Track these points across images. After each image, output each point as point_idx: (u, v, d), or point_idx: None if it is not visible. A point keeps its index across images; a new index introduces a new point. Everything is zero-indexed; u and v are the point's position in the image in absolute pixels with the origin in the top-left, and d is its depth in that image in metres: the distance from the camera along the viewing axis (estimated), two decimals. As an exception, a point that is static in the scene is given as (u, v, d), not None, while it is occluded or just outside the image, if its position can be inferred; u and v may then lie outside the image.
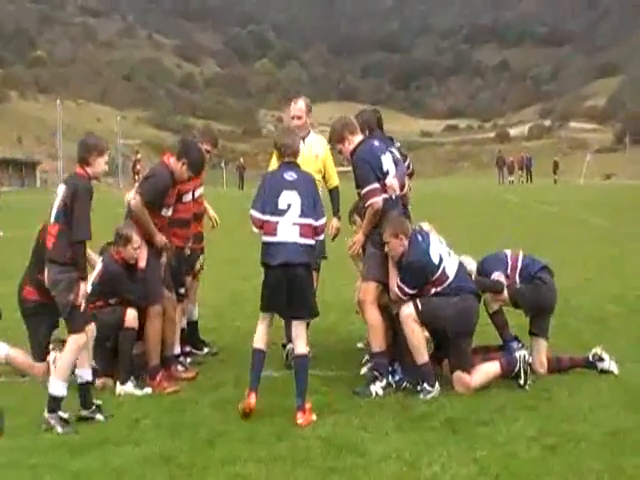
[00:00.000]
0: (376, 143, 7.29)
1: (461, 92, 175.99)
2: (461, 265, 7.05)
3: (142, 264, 7.18)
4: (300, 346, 6.41)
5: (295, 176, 6.52)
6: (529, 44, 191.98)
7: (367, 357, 7.53)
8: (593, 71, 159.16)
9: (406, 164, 7.90)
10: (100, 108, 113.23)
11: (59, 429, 6.00)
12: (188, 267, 8.07)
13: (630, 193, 42.48)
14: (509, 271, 7.40)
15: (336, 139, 7.28)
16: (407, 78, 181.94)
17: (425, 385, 6.71)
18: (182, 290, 7.77)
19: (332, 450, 5.42)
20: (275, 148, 6.80)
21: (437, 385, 6.72)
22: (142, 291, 7.16)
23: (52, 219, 6.21)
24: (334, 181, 8.44)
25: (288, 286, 6.34)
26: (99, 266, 7.23)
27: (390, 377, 7.05)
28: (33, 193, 28.83)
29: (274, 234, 6.37)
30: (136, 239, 7.03)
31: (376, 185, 6.99)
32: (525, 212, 28.92)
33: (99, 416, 6.18)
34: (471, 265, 7.36)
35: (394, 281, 6.93)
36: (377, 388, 6.82)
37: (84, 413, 6.29)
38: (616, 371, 7.23)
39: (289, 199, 6.41)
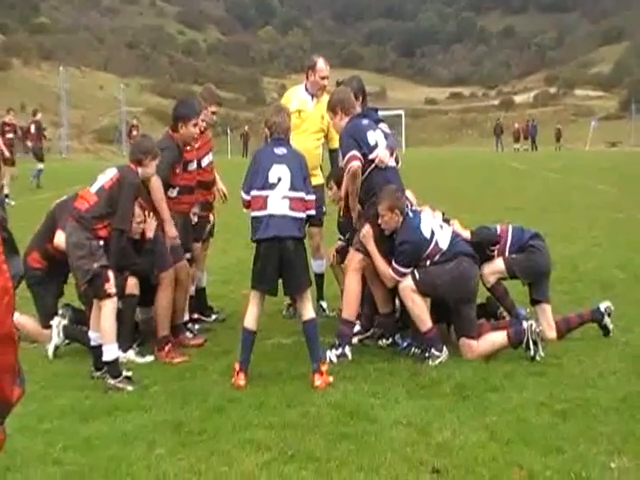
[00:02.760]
0: (365, 121, 7.27)
1: (465, 59, 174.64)
2: (455, 235, 7.01)
3: (150, 234, 7.17)
4: (307, 312, 6.41)
5: (285, 151, 6.51)
6: (534, 10, 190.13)
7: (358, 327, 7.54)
8: (599, 37, 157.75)
9: None
10: (103, 75, 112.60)
11: (129, 388, 6.13)
12: (196, 234, 8.07)
13: (635, 160, 42.28)
14: (499, 244, 7.39)
15: (331, 109, 7.27)
16: (411, 45, 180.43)
17: (433, 350, 6.71)
18: (188, 255, 7.74)
19: (342, 416, 5.43)
20: (266, 127, 6.73)
21: (445, 349, 6.73)
22: (151, 263, 7.15)
23: (93, 189, 6.43)
24: (336, 142, 8.33)
25: (279, 261, 6.30)
26: None
27: (399, 343, 7.12)
28: (27, 161, 28.65)
29: (264, 207, 6.33)
30: (138, 213, 7.01)
31: (355, 152, 6.95)
32: (531, 179, 28.82)
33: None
34: (465, 234, 7.31)
35: (383, 267, 6.91)
36: (332, 355, 6.81)
37: (96, 374, 6.36)
38: (611, 329, 7.29)
39: (279, 172, 6.38)
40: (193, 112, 7.38)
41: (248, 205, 6.48)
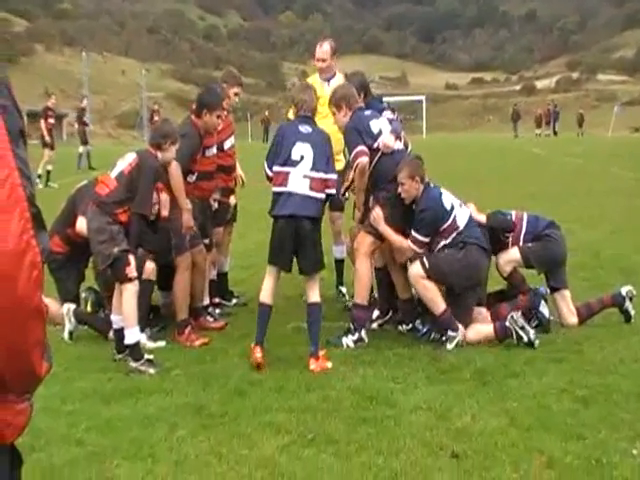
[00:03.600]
0: (366, 113, 7.26)
1: (487, 44, 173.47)
2: (471, 218, 7.01)
3: (165, 212, 7.18)
4: (312, 295, 6.46)
5: (310, 130, 6.54)
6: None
7: (377, 312, 7.58)
8: (622, 21, 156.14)
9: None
10: (124, 61, 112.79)
11: (151, 371, 6.20)
12: (217, 220, 8.08)
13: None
14: (514, 232, 7.37)
15: (334, 105, 7.22)
16: (432, 30, 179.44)
17: (449, 332, 6.72)
18: (206, 241, 7.75)
19: (362, 401, 5.45)
20: (293, 104, 6.79)
21: (461, 328, 6.73)
22: (167, 241, 7.14)
23: (113, 174, 6.45)
24: None
25: (294, 239, 6.34)
26: None
27: (419, 329, 7.14)
28: (60, 146, 28.80)
29: (284, 184, 6.39)
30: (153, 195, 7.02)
31: (362, 147, 6.94)
32: (551, 165, 28.64)
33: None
34: (480, 218, 7.29)
35: (400, 242, 6.91)
36: (349, 341, 6.84)
37: (118, 357, 6.43)
38: (632, 314, 7.27)
39: (302, 151, 6.42)
40: (219, 101, 7.37)
41: (271, 180, 6.53)
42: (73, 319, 7.18)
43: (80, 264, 7.64)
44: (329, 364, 6.28)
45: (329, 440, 4.79)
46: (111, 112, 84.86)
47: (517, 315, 6.75)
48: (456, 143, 52.11)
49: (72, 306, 7.28)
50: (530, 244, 7.34)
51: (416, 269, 6.78)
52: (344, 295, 8.60)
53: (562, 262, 7.42)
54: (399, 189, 6.88)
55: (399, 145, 7.20)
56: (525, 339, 6.65)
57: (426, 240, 6.83)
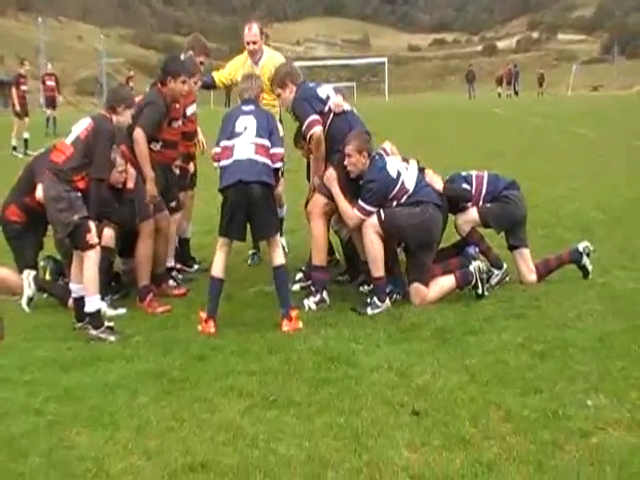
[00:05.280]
0: (311, 84, 7.36)
1: (448, 5, 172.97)
2: (421, 177, 7.01)
3: (131, 184, 7.14)
4: (276, 258, 6.46)
5: (252, 107, 6.65)
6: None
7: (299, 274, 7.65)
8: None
9: None
10: (82, 26, 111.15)
11: (112, 338, 6.17)
12: (180, 185, 8.04)
13: (617, 104, 42.24)
14: (474, 192, 7.39)
15: (278, 84, 7.24)
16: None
17: (375, 299, 6.73)
18: (173, 204, 7.71)
19: (324, 362, 5.46)
20: (238, 94, 6.85)
21: (387, 301, 6.74)
22: (131, 212, 7.10)
23: (68, 140, 6.35)
24: None
25: (245, 207, 6.31)
26: None
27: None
28: (11, 114, 28.42)
29: (231, 156, 6.41)
30: (120, 162, 6.98)
31: (315, 116, 6.98)
32: (512, 125, 28.75)
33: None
34: (438, 184, 7.29)
35: (348, 209, 6.88)
36: (310, 302, 6.84)
37: (78, 325, 6.39)
38: (590, 270, 7.35)
39: (245, 122, 6.50)
40: (183, 69, 7.32)
41: (218, 158, 6.54)
42: (33, 284, 7.11)
43: (38, 233, 7.56)
44: (300, 324, 6.30)
45: (291, 402, 4.81)
46: (70, 79, 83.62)
47: (483, 266, 6.85)
48: (418, 104, 52.06)
49: (32, 272, 7.20)
50: (488, 204, 7.37)
51: (371, 221, 6.78)
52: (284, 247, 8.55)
53: (521, 222, 7.46)
54: (345, 161, 6.86)
55: (348, 106, 7.24)
56: (479, 290, 6.81)
57: (373, 210, 6.79)
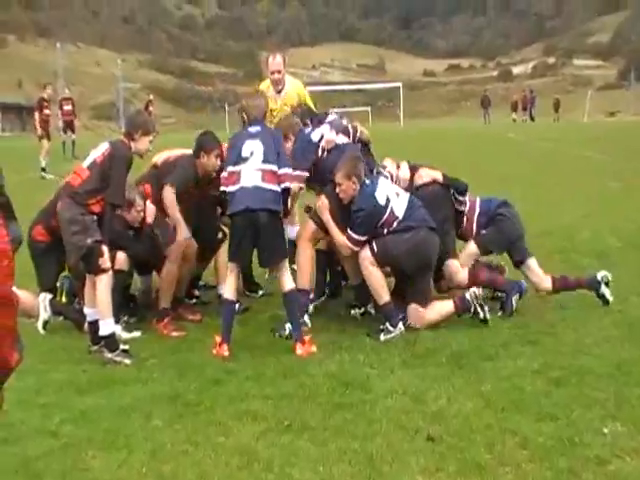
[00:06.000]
0: (307, 130, 7.44)
1: (464, 31, 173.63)
2: (412, 202, 6.96)
3: (150, 219, 7.25)
4: (285, 283, 6.49)
5: (259, 129, 6.63)
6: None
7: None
8: (598, 6, 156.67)
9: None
10: (100, 51, 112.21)
11: (127, 361, 6.20)
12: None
13: (634, 129, 42.16)
14: (467, 214, 7.51)
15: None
16: (409, 17, 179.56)
17: (387, 325, 6.70)
18: (220, 235, 7.88)
19: (338, 387, 5.45)
20: (242, 111, 6.88)
21: (400, 325, 6.71)
22: (149, 249, 7.26)
23: (86, 164, 6.41)
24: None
25: (252, 234, 6.33)
26: None
27: (372, 312, 7.29)
28: (34, 138, 28.62)
29: (237, 182, 6.41)
30: (139, 202, 7.14)
31: (298, 172, 6.96)
32: (528, 150, 28.74)
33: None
34: (437, 176, 7.43)
35: (338, 237, 6.90)
36: (290, 326, 6.73)
37: (93, 349, 6.41)
38: (610, 299, 7.30)
39: (252, 147, 6.48)
40: (215, 144, 7.45)
41: (225, 183, 6.56)
42: (49, 308, 7.17)
43: (60, 254, 7.61)
44: (314, 348, 6.29)
45: (305, 426, 4.79)
46: (87, 104, 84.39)
47: (478, 291, 6.84)
48: (433, 130, 52.17)
49: (48, 295, 7.27)
50: (484, 231, 7.47)
51: (365, 253, 6.78)
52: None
53: (519, 238, 7.51)
54: (337, 189, 6.87)
55: (343, 139, 7.33)
56: (481, 315, 6.76)
57: (362, 239, 6.78)
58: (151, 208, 7.35)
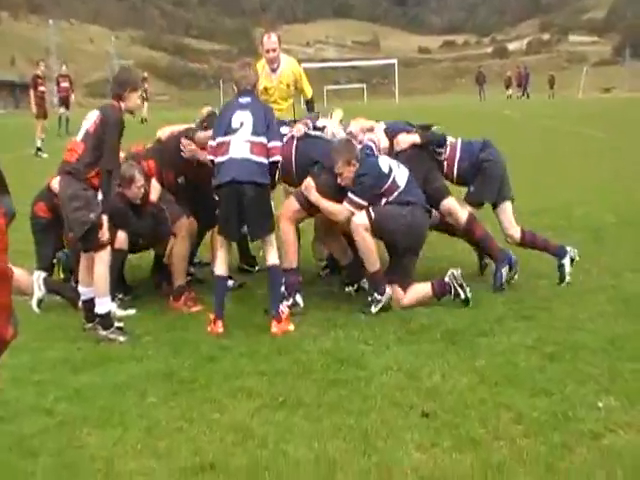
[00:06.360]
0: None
1: (459, 7, 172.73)
2: (411, 178, 6.94)
3: (154, 197, 7.20)
4: (269, 258, 6.49)
5: (250, 100, 6.57)
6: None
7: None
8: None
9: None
10: (93, 28, 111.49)
11: (122, 339, 6.19)
12: None
13: (629, 105, 42.09)
14: (448, 156, 7.57)
15: None
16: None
17: (376, 294, 6.69)
18: None
19: (333, 363, 5.46)
20: (233, 82, 6.81)
21: (388, 291, 6.68)
22: (151, 226, 7.22)
23: (79, 138, 6.27)
24: (307, 93, 9.22)
25: (239, 207, 6.31)
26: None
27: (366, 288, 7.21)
28: (27, 115, 28.53)
29: (226, 153, 6.37)
30: (139, 178, 7.05)
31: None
32: (524, 127, 28.70)
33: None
34: (415, 138, 7.45)
35: (334, 206, 6.83)
36: (283, 307, 6.68)
37: (87, 326, 6.40)
38: (567, 276, 7.32)
39: (242, 118, 6.43)
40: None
41: (213, 153, 6.52)
42: (43, 286, 7.16)
43: (60, 231, 7.60)
44: (291, 326, 6.30)
45: (300, 403, 4.80)
46: (81, 81, 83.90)
47: (457, 272, 6.81)
48: (428, 107, 51.98)
49: (42, 274, 7.25)
50: (472, 188, 7.52)
51: (361, 219, 6.69)
52: None
53: (503, 179, 7.57)
54: (338, 179, 6.80)
55: (311, 131, 7.32)
56: (462, 296, 6.73)
57: (364, 203, 6.72)
58: (156, 186, 7.28)
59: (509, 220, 7.49)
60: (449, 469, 3.90)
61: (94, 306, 6.30)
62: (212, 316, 6.35)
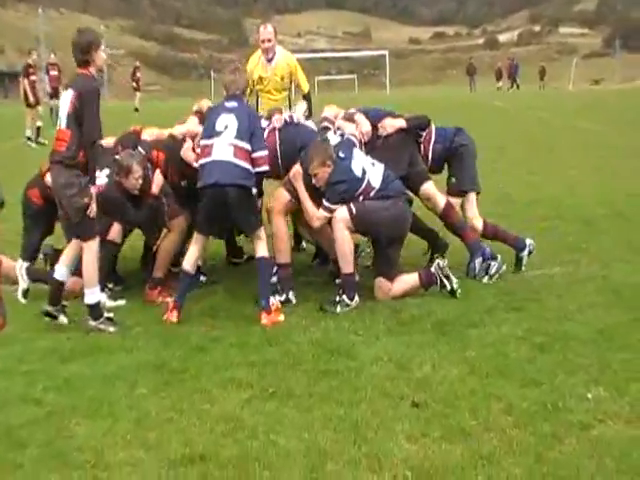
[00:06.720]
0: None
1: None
2: (387, 174, 6.87)
3: (155, 189, 7.16)
4: (258, 250, 6.51)
5: (236, 104, 6.58)
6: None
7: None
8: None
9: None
10: (83, 17, 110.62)
11: (111, 329, 6.18)
12: None
13: (619, 98, 42.14)
14: (423, 141, 7.69)
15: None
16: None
17: (344, 297, 6.59)
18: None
19: (323, 354, 5.46)
20: (223, 86, 6.82)
21: (357, 298, 6.62)
22: (149, 217, 7.15)
23: (63, 125, 6.12)
24: (304, 88, 9.23)
25: (222, 208, 6.34)
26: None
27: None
28: (17, 104, 28.38)
29: (209, 155, 6.39)
30: (137, 169, 6.94)
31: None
32: (515, 118, 28.70)
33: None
34: (401, 123, 7.50)
35: (311, 208, 6.82)
36: (276, 302, 6.64)
37: (49, 309, 6.34)
38: (523, 267, 7.44)
39: (226, 121, 6.45)
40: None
41: (198, 159, 6.58)
42: (26, 276, 7.14)
43: (50, 220, 7.56)
44: (281, 317, 6.29)
45: (290, 394, 4.80)
46: (70, 70, 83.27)
47: (443, 263, 6.82)
48: (419, 98, 51.94)
49: (25, 264, 7.22)
50: (453, 179, 7.68)
51: (342, 214, 6.63)
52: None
53: (474, 159, 7.78)
54: (313, 181, 6.77)
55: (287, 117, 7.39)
56: (448, 287, 6.73)
57: (336, 207, 6.67)
58: (159, 179, 7.21)
59: (473, 212, 7.62)
60: (439, 459, 3.90)
61: (62, 290, 6.30)
62: (170, 304, 6.41)
